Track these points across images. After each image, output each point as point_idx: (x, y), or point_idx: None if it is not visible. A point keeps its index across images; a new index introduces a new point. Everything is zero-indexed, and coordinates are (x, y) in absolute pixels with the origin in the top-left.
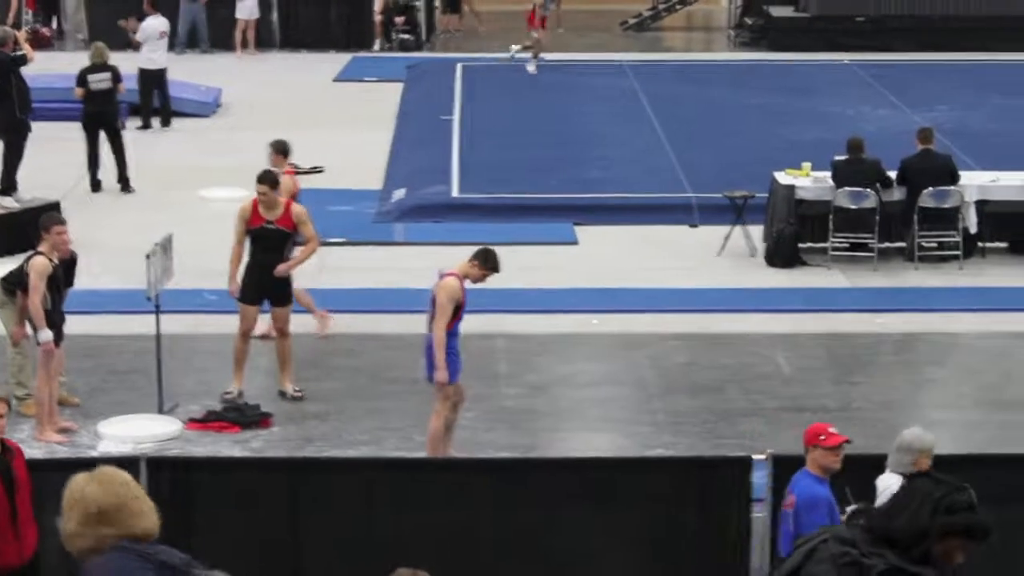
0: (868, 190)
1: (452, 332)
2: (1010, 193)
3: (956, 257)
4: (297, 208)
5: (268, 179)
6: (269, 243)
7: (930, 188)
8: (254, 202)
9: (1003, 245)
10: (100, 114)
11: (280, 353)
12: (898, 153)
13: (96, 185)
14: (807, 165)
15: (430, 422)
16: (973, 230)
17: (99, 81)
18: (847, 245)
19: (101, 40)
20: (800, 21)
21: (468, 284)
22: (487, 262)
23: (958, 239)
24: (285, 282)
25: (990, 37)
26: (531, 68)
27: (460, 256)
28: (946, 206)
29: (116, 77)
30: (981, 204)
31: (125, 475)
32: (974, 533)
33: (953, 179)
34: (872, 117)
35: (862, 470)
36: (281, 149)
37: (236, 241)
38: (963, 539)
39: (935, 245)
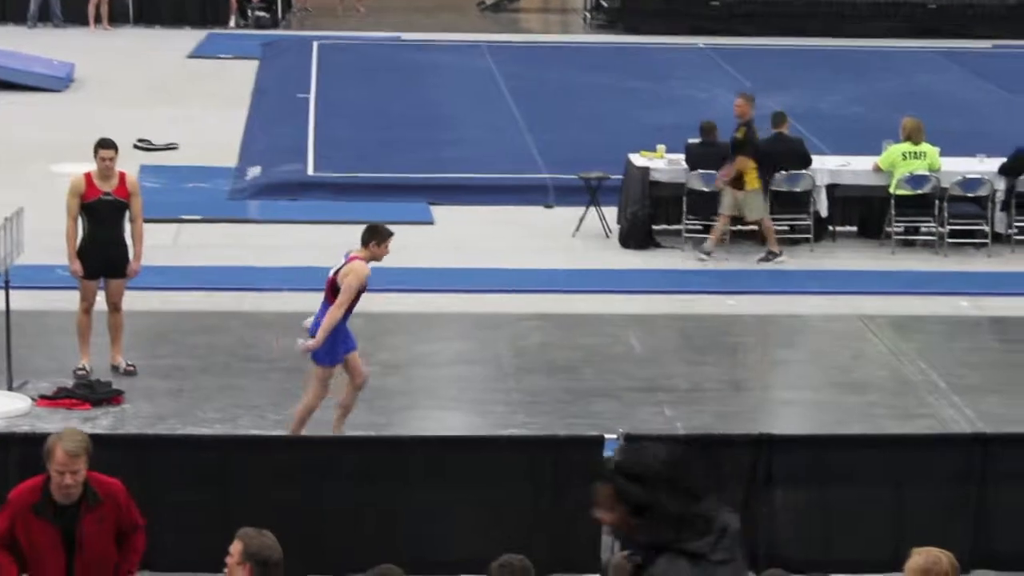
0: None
1: (344, 315)
2: (860, 177)
3: (807, 240)
4: (132, 177)
5: (115, 145)
6: (106, 215)
7: (782, 172)
8: (87, 175)
9: (852, 228)
10: None
11: (113, 327)
12: None
13: None
14: (661, 147)
15: (303, 400)
16: (824, 213)
17: None
18: (700, 227)
19: None
20: (655, 4)
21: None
22: (381, 234)
23: (809, 222)
24: (123, 255)
25: (841, 22)
26: None
27: (315, 234)
28: (798, 189)
29: None
30: (831, 188)
31: None
32: None
33: (805, 163)
34: (725, 101)
35: None
36: None
37: (71, 217)
38: None
39: (787, 228)
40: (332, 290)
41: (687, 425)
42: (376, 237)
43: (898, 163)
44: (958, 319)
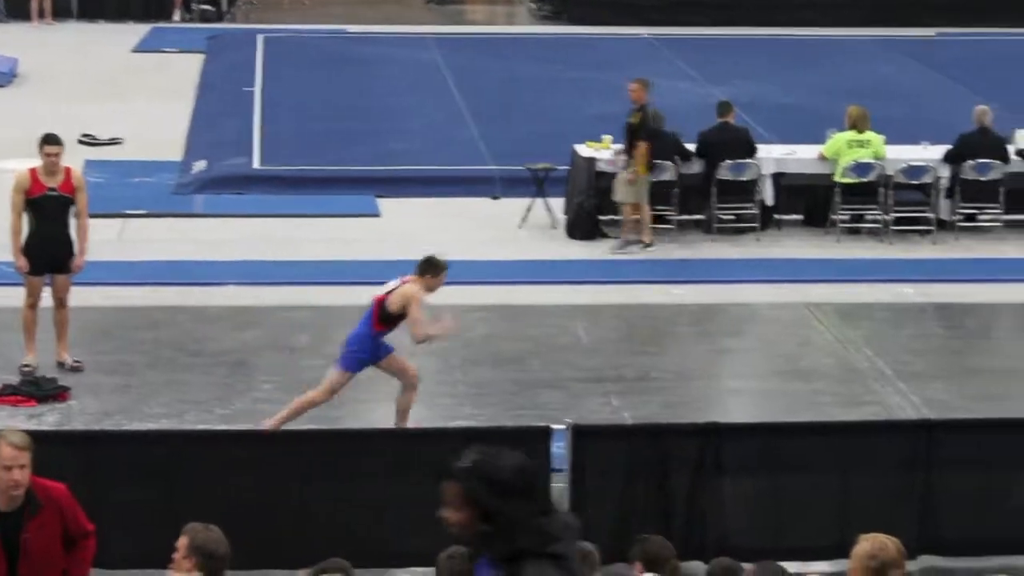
0: (667, 163)
1: (382, 332)
2: (805, 166)
3: (753, 229)
4: (77, 173)
5: (60, 141)
6: (51, 211)
7: (728, 161)
8: (32, 171)
9: (798, 217)
10: None
11: (58, 323)
12: (697, 126)
13: None
14: (607, 138)
15: (307, 394)
16: (769, 202)
17: None
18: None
19: None
20: None
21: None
22: (436, 268)
23: (755, 211)
24: (69, 251)
25: (785, 12)
26: None
27: (261, 227)
28: (743, 179)
29: None
30: (777, 177)
31: None
32: None
33: (750, 152)
34: (671, 91)
35: None
36: None
37: (16, 213)
38: None
39: (733, 217)
40: (379, 308)
41: (634, 415)
42: (432, 270)
43: (843, 151)
44: (903, 306)
